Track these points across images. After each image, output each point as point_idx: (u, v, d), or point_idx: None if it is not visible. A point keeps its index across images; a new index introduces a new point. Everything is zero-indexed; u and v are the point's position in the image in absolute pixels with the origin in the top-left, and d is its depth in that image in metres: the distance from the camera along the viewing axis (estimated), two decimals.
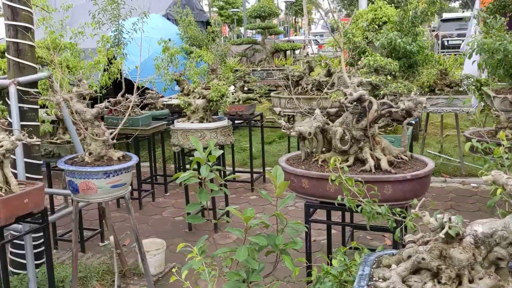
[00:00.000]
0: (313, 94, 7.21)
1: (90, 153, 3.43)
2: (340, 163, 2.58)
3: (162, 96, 6.97)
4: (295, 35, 40.01)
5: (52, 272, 3.18)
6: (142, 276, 4.23)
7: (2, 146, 2.82)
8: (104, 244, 5.02)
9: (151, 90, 6.90)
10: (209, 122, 5.09)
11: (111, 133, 3.43)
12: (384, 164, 2.99)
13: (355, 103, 3.04)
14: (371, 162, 2.98)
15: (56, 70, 3.93)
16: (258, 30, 8.93)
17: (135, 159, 3.51)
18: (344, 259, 2.38)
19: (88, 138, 3.44)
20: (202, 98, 5.11)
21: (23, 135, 2.93)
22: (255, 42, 9.47)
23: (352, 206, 2.29)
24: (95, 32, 5.23)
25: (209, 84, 5.24)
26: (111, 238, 3.94)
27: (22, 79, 3.53)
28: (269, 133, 9.17)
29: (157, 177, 6.90)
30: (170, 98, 7.64)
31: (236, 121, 7.06)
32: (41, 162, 3.85)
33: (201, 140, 4.97)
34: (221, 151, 2.93)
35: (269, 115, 9.27)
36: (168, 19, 9.38)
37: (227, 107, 5.39)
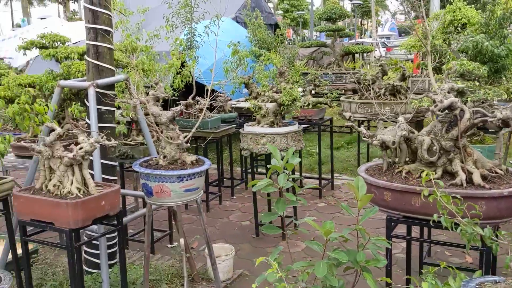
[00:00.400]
0: (386, 99, 6.94)
1: (164, 156, 3.41)
2: (426, 175, 2.38)
3: (231, 99, 6.94)
4: (361, 38, 39.20)
5: (125, 273, 3.18)
6: (211, 282, 4.18)
7: (81, 148, 2.84)
8: (172, 246, 5.04)
9: (220, 93, 6.90)
10: (280, 126, 4.98)
11: (184, 137, 3.40)
12: (476, 178, 2.73)
13: (445, 111, 2.81)
14: (462, 176, 2.74)
15: (132, 72, 3.97)
16: (327, 32, 8.74)
17: (207, 163, 3.45)
18: (436, 283, 2.17)
19: (163, 141, 3.42)
20: (272, 102, 5.01)
21: (102, 137, 2.94)
22: (324, 45, 9.28)
23: (449, 226, 2.08)
24: (169, 35, 5.28)
25: (279, 87, 5.12)
26: (181, 241, 3.91)
27: (100, 81, 3.57)
28: (336, 138, 8.93)
29: (224, 180, 6.88)
30: (238, 101, 7.62)
31: (304, 126, 6.92)
32: (116, 163, 3.90)
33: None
34: (299, 159, 2.80)
35: (337, 120, 9.04)
36: (237, 22, 9.39)
37: (298, 111, 5.25)
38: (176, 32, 5.68)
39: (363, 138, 3.05)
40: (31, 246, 4.17)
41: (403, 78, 6.99)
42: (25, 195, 2.84)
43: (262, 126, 4.99)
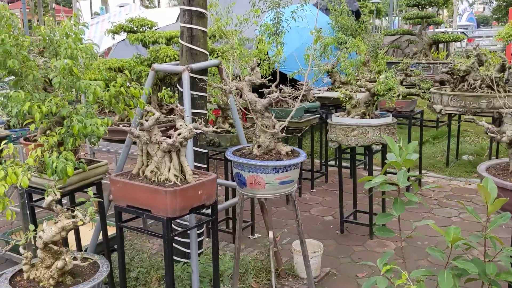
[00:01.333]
0: (483, 92, 6.40)
1: (258, 146, 3.24)
2: None
3: (312, 88, 6.68)
4: (436, 28, 37.27)
5: (217, 265, 3.05)
6: (297, 278, 3.99)
7: (180, 134, 2.72)
8: (254, 237, 4.90)
9: (302, 81, 6.66)
10: (372, 118, 4.67)
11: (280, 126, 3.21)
12: None
13: None
14: None
15: (225, 57, 3.82)
16: (415, 20, 8.23)
17: (303, 154, 3.25)
18: None
19: (258, 129, 3.25)
20: (365, 92, 4.70)
21: (199, 123, 2.80)
22: (410, 33, 8.76)
23: None
24: (253, 21, 5.10)
25: (371, 77, 4.80)
26: (270, 234, 3.75)
27: (195, 65, 3.45)
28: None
29: (302, 171, 6.66)
30: (320, 90, 7.34)
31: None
32: (206, 150, 3.78)
33: (363, 138, 4.58)
34: (417, 155, 2.52)
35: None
36: (318, 8, 9.07)
37: (393, 102, 4.91)
38: (261, 17, 5.49)
39: (488, 134, 2.71)
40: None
41: (502, 69, 6.42)
42: (122, 180, 2.77)
43: (352, 117, 4.71)
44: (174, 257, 3.79)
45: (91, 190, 2.68)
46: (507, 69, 6.72)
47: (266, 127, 3.21)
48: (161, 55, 4.88)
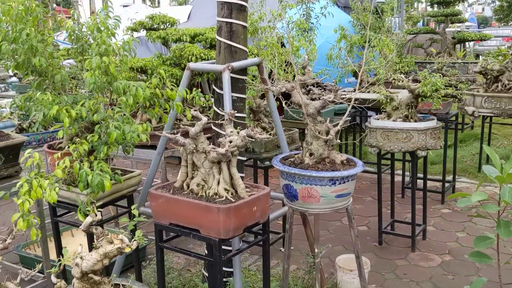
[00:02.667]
0: None
1: (311, 154, 2.89)
2: None
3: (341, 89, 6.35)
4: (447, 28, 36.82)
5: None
6: None
7: (231, 142, 2.37)
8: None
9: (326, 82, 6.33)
10: (415, 121, 4.33)
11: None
12: None
13: None
14: None
15: (261, 55, 3.48)
16: (439, 18, 7.89)
17: (360, 164, 2.90)
18: None
19: (309, 135, 2.90)
20: (409, 92, 4.36)
21: (252, 130, 2.46)
22: (434, 32, 8.42)
23: None
24: (287, 17, 4.77)
25: (419, 75, 4.46)
26: (316, 251, 3.40)
27: (236, 64, 3.10)
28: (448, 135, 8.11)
29: None
30: (344, 91, 7.00)
31: None
32: (244, 158, 3.43)
33: (407, 143, 4.24)
34: None
35: None
36: (337, 6, 8.74)
37: (440, 104, 4.58)
38: (290, 13, 5.15)
39: None
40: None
41: None
42: (165, 194, 2.42)
43: (394, 120, 4.36)
44: (207, 275, 3.45)
45: (136, 210, 2.33)
46: None
47: (319, 132, 2.87)
48: (186, 54, 4.54)
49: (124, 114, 2.52)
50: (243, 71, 3.26)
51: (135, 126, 2.40)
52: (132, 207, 2.29)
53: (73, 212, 3.42)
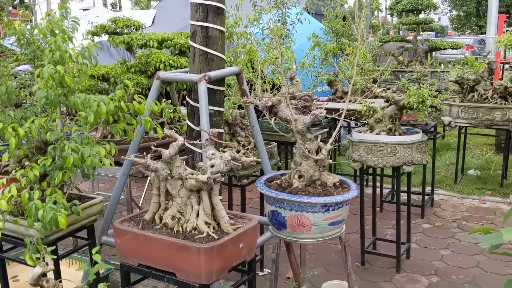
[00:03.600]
0: (496, 103, 5.95)
1: (300, 176, 2.56)
2: None
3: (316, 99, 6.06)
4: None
5: None
6: None
7: (213, 166, 2.01)
8: (263, 274, 4.20)
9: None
10: (400, 134, 4.07)
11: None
12: None
13: None
14: None
15: (238, 63, 3.13)
16: (410, 26, 7.77)
17: (354, 187, 2.59)
18: None
19: (298, 155, 2.57)
20: (392, 104, 4.10)
21: (237, 151, 2.10)
22: (405, 40, 8.30)
23: None
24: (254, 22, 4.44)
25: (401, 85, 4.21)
26: (304, 285, 3.07)
27: (213, 73, 2.74)
28: None
29: None
30: (318, 100, 6.73)
31: None
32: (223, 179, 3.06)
33: (392, 158, 3.97)
34: None
35: None
36: (307, 13, 8.50)
37: (425, 116, 4.34)
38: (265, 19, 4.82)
39: None
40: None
41: None
42: (133, 230, 2.03)
43: (377, 133, 4.09)
44: None
45: (97, 256, 1.91)
46: None
47: (309, 151, 2.54)
48: (153, 61, 4.14)
49: (83, 133, 2.12)
50: (220, 81, 2.91)
51: (97, 148, 2.00)
52: (93, 250, 1.87)
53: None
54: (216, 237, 1.94)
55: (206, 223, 2.02)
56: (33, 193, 1.99)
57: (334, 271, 4.22)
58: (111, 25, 4.67)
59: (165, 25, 8.85)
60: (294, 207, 2.42)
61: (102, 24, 4.58)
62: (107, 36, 4.92)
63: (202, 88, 2.66)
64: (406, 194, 4.60)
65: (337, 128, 2.75)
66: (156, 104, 2.53)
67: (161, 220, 2.09)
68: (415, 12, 7.90)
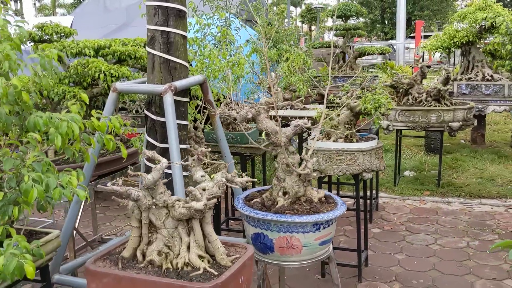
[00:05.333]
0: (431, 105, 6.14)
1: (284, 193, 2.35)
2: None
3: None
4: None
5: None
6: None
7: (204, 190, 1.74)
8: None
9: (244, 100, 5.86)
10: (357, 141, 4.00)
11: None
12: None
13: None
14: None
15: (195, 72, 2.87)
16: (340, 31, 7.88)
17: (341, 202, 2.43)
18: None
19: (281, 170, 2.36)
20: (347, 110, 4.02)
21: (227, 171, 1.85)
22: (335, 45, 8.41)
23: None
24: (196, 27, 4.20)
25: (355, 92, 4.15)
26: None
27: (179, 83, 2.46)
28: None
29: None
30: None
31: None
32: None
33: (351, 165, 3.89)
34: None
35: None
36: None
37: (376, 121, 4.31)
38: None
39: None
40: None
41: (447, 81, 6.24)
42: (114, 272, 1.70)
43: (335, 141, 3.99)
44: None
45: None
46: (451, 81, 6.58)
47: (292, 165, 2.34)
48: (91, 70, 3.75)
49: (43, 160, 1.75)
50: (184, 92, 2.63)
51: (66, 178, 1.65)
52: None
53: None
54: (216, 273, 1.67)
55: (200, 256, 1.74)
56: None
57: (295, 286, 4.06)
58: (37, 32, 4.19)
59: (85, 32, 8.27)
60: (283, 228, 2.21)
61: (28, 31, 4.09)
62: (31, 43, 4.43)
63: (169, 100, 2.37)
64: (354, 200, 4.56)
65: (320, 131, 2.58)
66: (120, 122, 2.20)
67: (144, 256, 1.78)
68: (343, 18, 8.03)
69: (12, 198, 1.74)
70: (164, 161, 1.78)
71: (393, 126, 6.25)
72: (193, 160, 1.85)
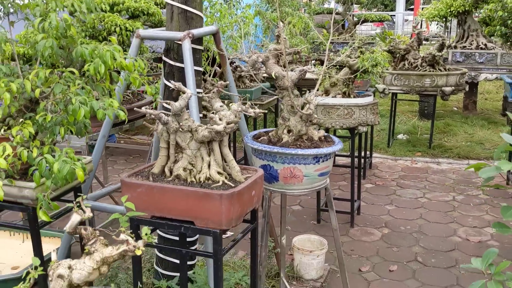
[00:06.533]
0: (425, 70, 6.42)
1: (289, 131, 2.66)
2: None
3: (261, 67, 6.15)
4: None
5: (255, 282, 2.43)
6: (301, 280, 3.50)
7: (221, 119, 2.05)
8: (231, 234, 4.29)
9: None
10: (354, 97, 4.30)
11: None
12: None
13: None
14: None
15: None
16: None
17: (337, 140, 2.75)
18: None
19: (286, 111, 2.67)
20: (346, 68, 4.31)
21: (243, 103, 2.15)
22: (336, 12, 8.62)
23: None
24: None
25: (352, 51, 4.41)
26: (283, 240, 3.20)
27: (196, 31, 2.73)
28: None
29: None
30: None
31: None
32: None
33: (348, 119, 4.20)
34: None
35: None
36: None
37: (360, 82, 4.60)
38: None
39: None
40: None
41: (441, 48, 6.50)
42: (147, 183, 2.02)
43: (333, 97, 4.29)
44: (163, 271, 3.07)
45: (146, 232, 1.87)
46: (446, 47, 6.84)
47: (296, 107, 2.64)
48: (107, 24, 4.00)
49: (83, 88, 2.05)
50: (199, 40, 2.90)
51: (109, 101, 1.95)
52: (144, 230, 1.77)
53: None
54: (232, 185, 1.99)
55: (219, 173, 2.06)
56: (41, 148, 1.91)
57: (293, 229, 4.41)
58: None
59: None
60: (287, 160, 2.52)
61: None
62: None
63: (187, 46, 2.64)
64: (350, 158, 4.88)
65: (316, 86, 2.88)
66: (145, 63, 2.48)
67: (171, 172, 2.10)
68: None
69: (58, 120, 2.04)
70: (188, 91, 2.07)
71: (389, 89, 6.54)
72: (213, 92, 2.14)
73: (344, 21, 9.88)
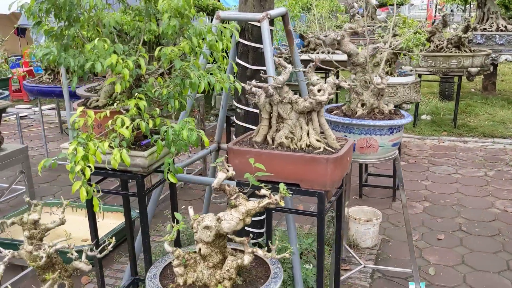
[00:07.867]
0: (451, 52, 6.60)
1: (362, 104, 2.86)
2: None
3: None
4: None
5: (322, 247, 2.64)
6: (358, 248, 3.73)
7: (319, 91, 2.24)
8: None
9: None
10: (398, 76, 4.49)
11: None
12: None
13: None
14: None
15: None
16: None
17: (407, 114, 2.95)
18: None
19: (359, 86, 2.86)
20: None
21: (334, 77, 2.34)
22: None
23: None
24: None
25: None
26: (346, 210, 3.41)
27: (273, 12, 2.91)
28: None
29: None
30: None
31: None
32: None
33: (393, 97, 4.40)
34: None
35: None
36: None
37: (414, 59, 4.78)
38: None
39: None
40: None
41: (467, 30, 6.67)
42: (255, 150, 2.22)
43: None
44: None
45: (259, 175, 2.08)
46: (471, 29, 7.00)
47: (369, 82, 2.84)
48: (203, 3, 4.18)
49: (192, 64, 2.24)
50: (271, 21, 3.08)
51: (221, 75, 2.14)
52: (281, 186, 1.94)
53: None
54: (333, 150, 2.19)
55: (317, 140, 2.26)
56: (163, 120, 2.11)
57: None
58: None
59: None
60: (364, 131, 2.73)
61: None
62: None
63: (266, 26, 2.82)
64: None
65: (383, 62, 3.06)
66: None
67: (273, 141, 2.29)
68: None
69: (171, 94, 2.23)
70: (289, 66, 2.26)
71: (416, 71, 6.72)
72: (309, 67, 2.34)
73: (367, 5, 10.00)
